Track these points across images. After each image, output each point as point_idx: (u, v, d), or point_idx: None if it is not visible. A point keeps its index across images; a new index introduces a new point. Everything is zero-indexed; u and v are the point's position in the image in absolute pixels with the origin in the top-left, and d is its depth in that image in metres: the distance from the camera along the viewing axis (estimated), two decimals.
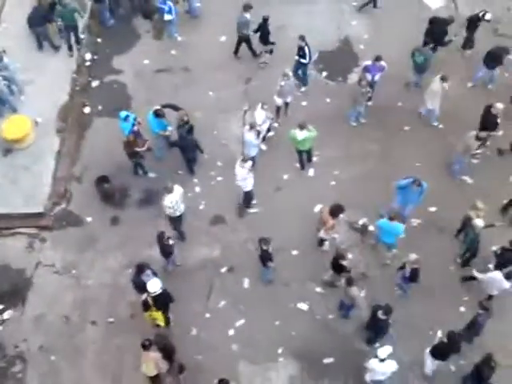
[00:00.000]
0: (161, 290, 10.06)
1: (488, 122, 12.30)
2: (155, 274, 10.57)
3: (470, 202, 11.20)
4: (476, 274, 10.73)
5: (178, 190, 11.17)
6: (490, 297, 10.50)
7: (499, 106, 12.14)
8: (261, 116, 12.44)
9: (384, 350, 9.33)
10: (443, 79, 12.51)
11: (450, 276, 11.37)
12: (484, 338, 10.35)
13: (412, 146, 13.03)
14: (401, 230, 10.81)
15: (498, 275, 10.35)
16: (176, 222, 11.60)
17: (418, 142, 13.10)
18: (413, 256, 10.37)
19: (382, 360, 9.31)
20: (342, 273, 10.65)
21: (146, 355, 9.65)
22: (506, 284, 10.26)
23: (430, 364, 10.06)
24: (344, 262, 10.50)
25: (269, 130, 13.05)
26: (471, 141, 11.86)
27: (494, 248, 10.97)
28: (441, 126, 13.39)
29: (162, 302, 10.22)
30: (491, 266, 10.96)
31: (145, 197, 12.57)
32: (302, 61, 13.36)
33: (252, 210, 12.35)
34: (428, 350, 9.95)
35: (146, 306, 10.21)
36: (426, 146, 13.04)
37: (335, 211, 10.77)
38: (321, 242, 11.58)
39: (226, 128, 13.40)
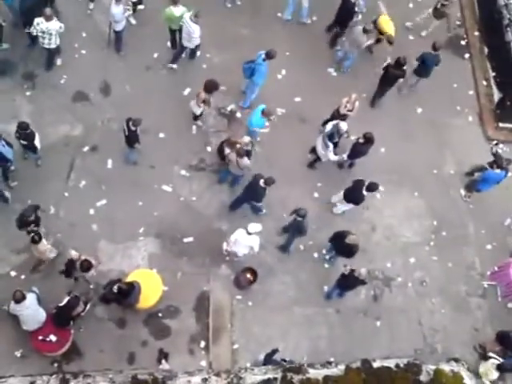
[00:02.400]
0: None
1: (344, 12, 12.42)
2: (10, 145, 10.03)
3: (335, 96, 11.52)
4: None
5: (56, 22, 10.70)
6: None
7: None
8: None
9: (254, 226, 9.91)
10: None
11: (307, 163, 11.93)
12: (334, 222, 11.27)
13: (284, 35, 12.97)
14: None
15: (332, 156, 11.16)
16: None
17: (291, 31, 13.08)
18: (246, 138, 10.79)
19: (250, 234, 9.91)
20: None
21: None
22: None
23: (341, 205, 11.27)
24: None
25: (140, 2, 12.23)
26: (360, 37, 11.96)
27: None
28: (314, 18, 13.41)
29: None
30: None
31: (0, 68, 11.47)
32: None
33: None
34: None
35: None
36: (297, 36, 13.06)
37: (210, 87, 10.84)
38: (195, 117, 11.57)
39: None
